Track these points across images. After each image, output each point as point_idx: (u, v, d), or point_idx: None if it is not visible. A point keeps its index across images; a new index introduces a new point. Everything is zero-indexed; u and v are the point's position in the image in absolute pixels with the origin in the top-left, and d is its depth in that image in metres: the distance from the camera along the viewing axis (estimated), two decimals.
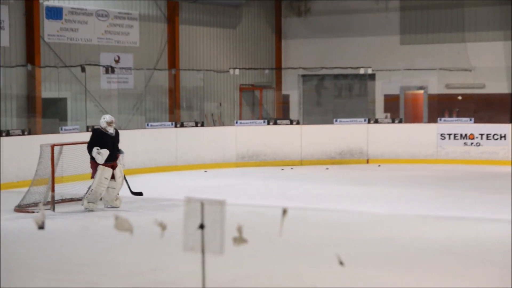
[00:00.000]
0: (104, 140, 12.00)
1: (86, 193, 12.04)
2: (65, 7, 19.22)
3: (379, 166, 18.69)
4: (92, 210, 12.02)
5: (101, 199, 12.37)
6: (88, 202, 12.02)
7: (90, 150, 11.97)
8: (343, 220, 10.86)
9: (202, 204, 4.39)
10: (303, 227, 8.24)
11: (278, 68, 25.25)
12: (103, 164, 11.95)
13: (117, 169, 12.16)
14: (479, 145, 19.01)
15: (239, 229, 4.43)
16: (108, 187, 12.13)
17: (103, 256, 8.90)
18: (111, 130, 12.12)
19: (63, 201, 12.72)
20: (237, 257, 7.35)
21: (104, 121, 12.14)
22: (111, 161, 12.06)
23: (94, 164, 12.04)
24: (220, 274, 7.63)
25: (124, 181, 12.35)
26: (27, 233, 10.15)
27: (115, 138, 12.23)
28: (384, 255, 8.81)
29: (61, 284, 7.71)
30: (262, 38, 25.05)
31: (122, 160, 12.24)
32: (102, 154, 11.86)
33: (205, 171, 17.88)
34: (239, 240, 4.44)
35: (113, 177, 12.10)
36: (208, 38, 23.28)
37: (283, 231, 8.30)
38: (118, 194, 12.31)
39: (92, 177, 12.12)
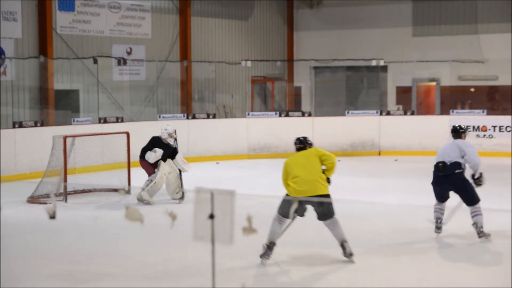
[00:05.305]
0: (163, 149, 11.95)
1: (148, 185, 11.78)
2: None
3: (396, 160, 18.31)
4: (149, 203, 11.72)
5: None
6: (148, 195, 11.79)
7: (143, 154, 11.90)
8: (354, 210, 10.87)
9: (212, 194, 4.42)
10: (313, 218, 8.28)
11: (290, 60, 25.23)
12: None
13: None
14: (491, 137, 18.92)
15: (249, 219, 4.46)
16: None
17: (114, 247, 8.96)
18: (171, 142, 12.12)
19: (75, 192, 12.80)
20: (246, 247, 7.38)
21: (166, 132, 12.12)
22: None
23: (144, 163, 11.93)
24: (229, 263, 7.67)
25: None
26: (40, 224, 10.22)
27: (173, 150, 12.17)
28: (395, 245, 8.84)
29: (72, 274, 7.77)
30: (274, 30, 25.03)
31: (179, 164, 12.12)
32: (156, 152, 11.78)
33: (217, 163, 17.91)
34: (249, 230, 4.45)
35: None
36: (220, 30, 23.29)
37: (293, 222, 8.34)
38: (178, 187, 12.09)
39: (150, 174, 11.91)
